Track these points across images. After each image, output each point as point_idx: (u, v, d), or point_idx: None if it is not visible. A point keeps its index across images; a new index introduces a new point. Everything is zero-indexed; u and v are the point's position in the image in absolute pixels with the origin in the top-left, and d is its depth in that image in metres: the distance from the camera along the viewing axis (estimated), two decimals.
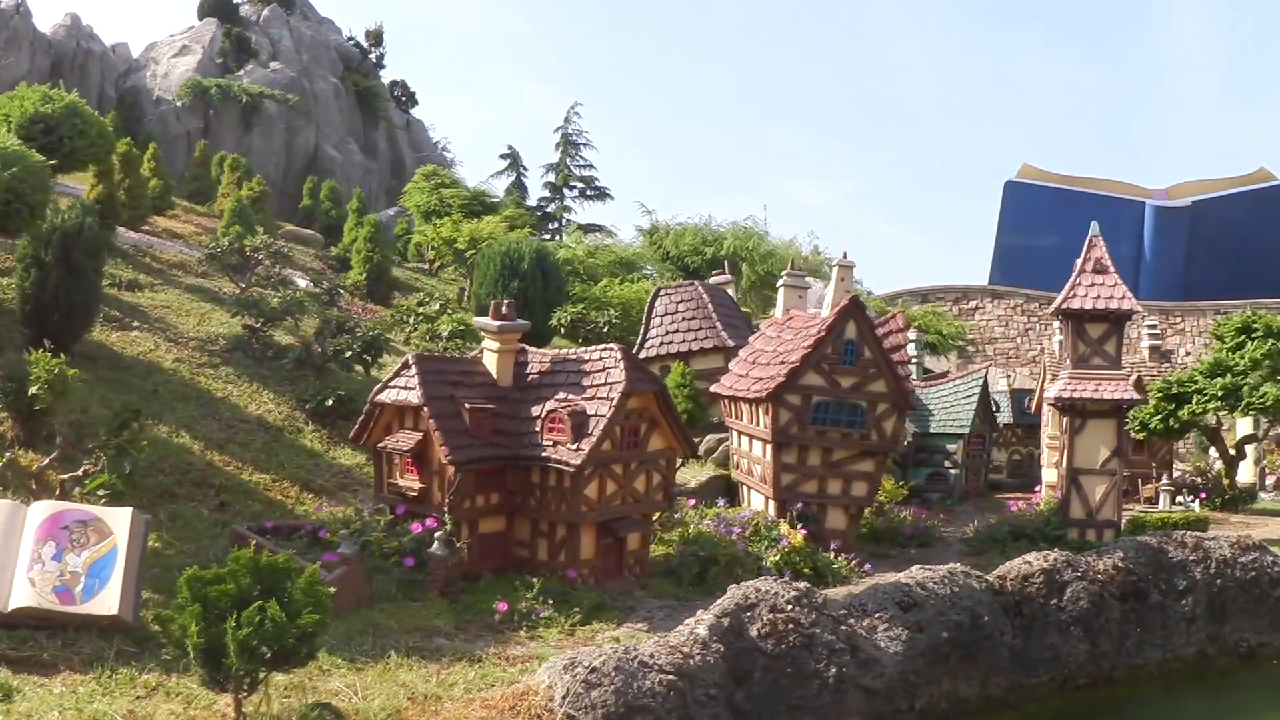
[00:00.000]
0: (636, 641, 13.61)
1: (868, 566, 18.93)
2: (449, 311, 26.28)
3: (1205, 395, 28.34)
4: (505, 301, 16.77)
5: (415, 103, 62.35)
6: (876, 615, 15.09)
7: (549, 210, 65.33)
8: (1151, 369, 31.00)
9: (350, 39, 55.88)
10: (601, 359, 16.09)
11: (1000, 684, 17.48)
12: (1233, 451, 30.94)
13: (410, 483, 16.13)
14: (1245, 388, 28.03)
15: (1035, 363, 54.77)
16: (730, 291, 27.76)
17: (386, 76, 61.45)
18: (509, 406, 16.40)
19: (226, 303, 24.79)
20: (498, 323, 16.45)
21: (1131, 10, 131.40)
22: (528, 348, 17.27)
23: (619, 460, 15.96)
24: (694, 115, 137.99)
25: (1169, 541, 20.28)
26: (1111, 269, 22.73)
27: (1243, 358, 28.65)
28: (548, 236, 48.05)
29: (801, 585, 14.41)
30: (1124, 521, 22.69)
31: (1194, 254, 62.80)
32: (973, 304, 66.11)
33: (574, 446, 15.41)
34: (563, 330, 30.56)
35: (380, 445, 16.58)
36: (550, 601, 15.11)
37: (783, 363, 19.17)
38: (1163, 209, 64.49)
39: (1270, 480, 39.76)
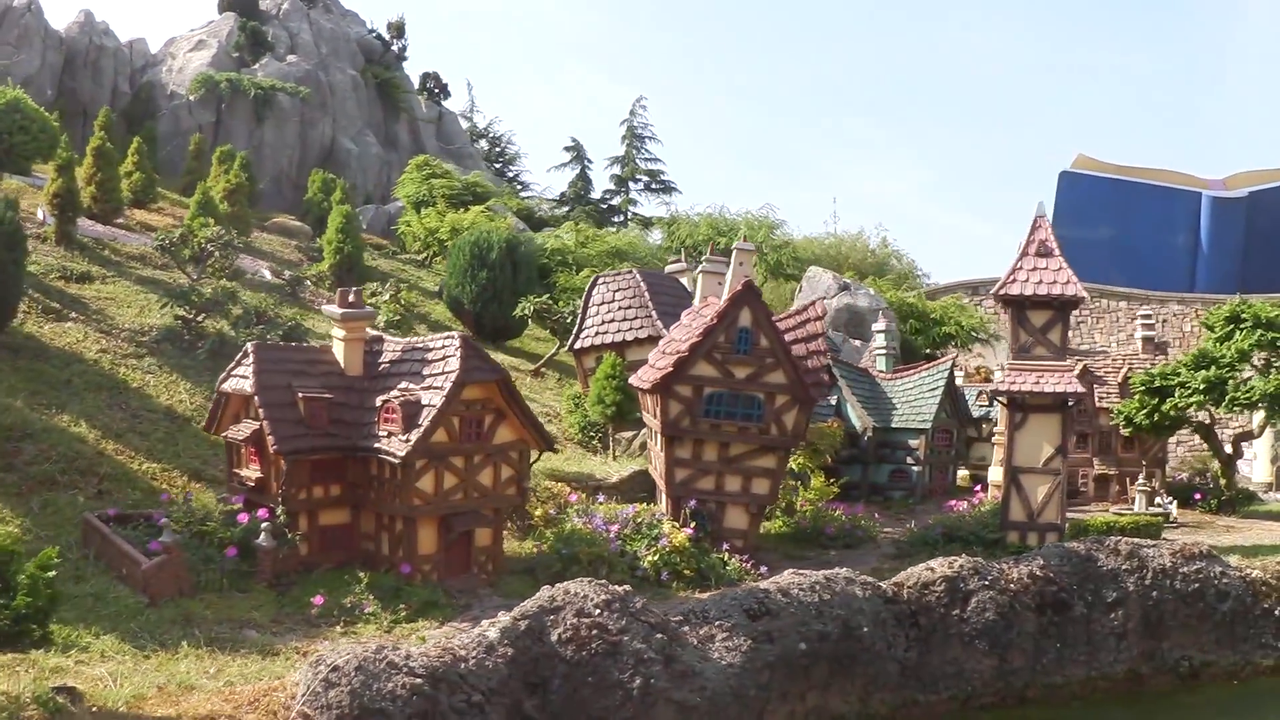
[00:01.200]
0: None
1: (763, 569, 17.86)
2: (396, 300, 25.86)
3: (1188, 389, 26.44)
4: (353, 290, 16.20)
5: (448, 95, 62.26)
6: (718, 623, 14.10)
7: (614, 203, 65.05)
8: (1145, 361, 29.06)
9: (372, 31, 56.06)
10: (443, 348, 15.43)
11: (886, 700, 16.28)
12: (1229, 450, 28.90)
13: (251, 472, 15.74)
14: (1230, 381, 26.07)
15: (1088, 356, 52.87)
16: (684, 281, 26.77)
17: (420, 69, 61.66)
18: (355, 396, 15.86)
19: (161, 294, 24.75)
20: (340, 310, 15.89)
21: None
22: (385, 336, 16.71)
23: (458, 453, 15.28)
24: (765, 107, 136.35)
25: (1100, 549, 18.75)
26: (1057, 252, 21.12)
27: (1229, 349, 26.71)
28: (612, 230, 47.62)
29: (619, 589, 13.52)
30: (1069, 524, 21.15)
31: (1252, 245, 59.90)
32: None
33: (404, 437, 14.78)
34: (530, 320, 29.97)
35: (225, 435, 16.18)
36: (373, 597, 14.55)
37: (676, 352, 18.24)
38: (1219, 200, 61.48)
39: None
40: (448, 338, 15.55)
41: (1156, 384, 27.34)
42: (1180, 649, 18.68)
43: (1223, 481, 28.67)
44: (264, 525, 14.87)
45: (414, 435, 14.69)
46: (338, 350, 16.17)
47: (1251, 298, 29.20)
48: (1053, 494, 20.87)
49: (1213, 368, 26.64)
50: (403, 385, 15.47)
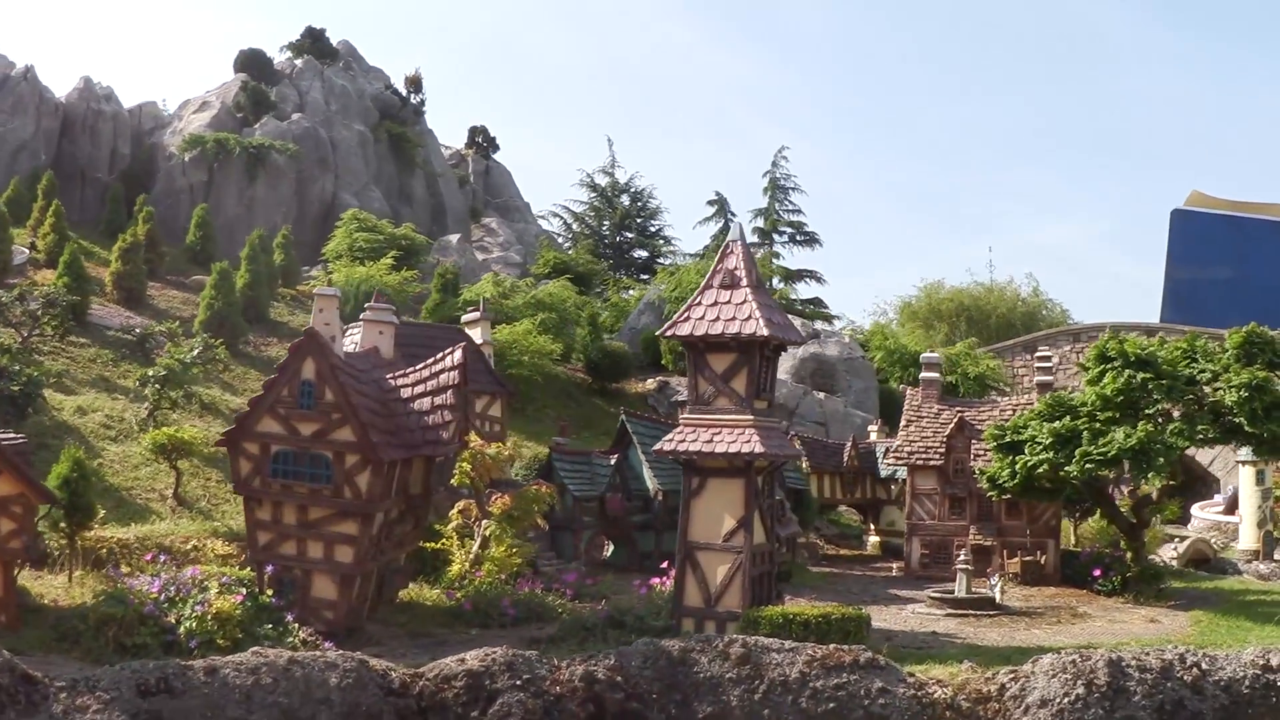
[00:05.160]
0: None
1: (327, 645, 17.88)
2: (210, 357, 28.04)
3: (1038, 444, 24.13)
4: None
5: (496, 148, 65.85)
6: (99, 694, 14.45)
7: (758, 257, 66.33)
8: None
9: (389, 87, 59.63)
10: None
11: None
12: (1133, 519, 26.00)
13: None
14: (1085, 434, 23.57)
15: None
16: (477, 333, 27.04)
17: (466, 124, 64.81)
18: None
19: None
20: None
21: None
22: None
23: None
24: (928, 158, 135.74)
25: (704, 650, 16.72)
26: (745, 283, 19.41)
27: (1092, 395, 24.27)
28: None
29: None
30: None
31: None
32: None
33: None
34: None
35: None
36: None
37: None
38: None
39: None
40: None
41: (1008, 439, 25.18)
42: None
43: (1129, 555, 25.97)
44: None
45: None
46: None
47: None
48: (734, 575, 19.47)
49: (1066, 418, 24.31)
50: None
